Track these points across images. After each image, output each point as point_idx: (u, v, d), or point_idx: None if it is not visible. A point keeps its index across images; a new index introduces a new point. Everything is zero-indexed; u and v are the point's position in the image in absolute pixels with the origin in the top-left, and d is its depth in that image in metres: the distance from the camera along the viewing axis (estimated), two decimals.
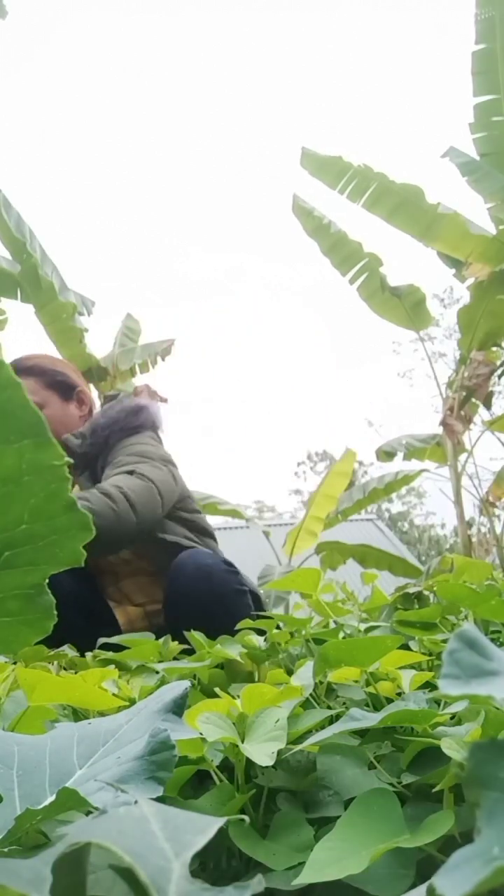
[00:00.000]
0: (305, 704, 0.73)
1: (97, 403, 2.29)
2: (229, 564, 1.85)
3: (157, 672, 0.95)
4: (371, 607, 1.28)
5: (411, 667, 0.78)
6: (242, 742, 0.60)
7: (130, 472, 1.87)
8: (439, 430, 5.73)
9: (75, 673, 0.90)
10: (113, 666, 0.98)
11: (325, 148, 5.57)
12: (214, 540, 2.12)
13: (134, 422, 2.10)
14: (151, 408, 2.19)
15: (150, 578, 1.98)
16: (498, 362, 5.39)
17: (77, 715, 0.79)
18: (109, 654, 1.09)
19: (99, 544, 1.86)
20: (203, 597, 1.69)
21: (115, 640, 1.26)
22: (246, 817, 0.49)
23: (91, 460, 2.04)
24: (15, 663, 0.98)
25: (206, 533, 2.10)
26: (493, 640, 1.02)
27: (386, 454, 5.98)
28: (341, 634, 1.02)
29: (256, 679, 1.00)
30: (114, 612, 1.96)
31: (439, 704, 0.66)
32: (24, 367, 2.08)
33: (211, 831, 0.29)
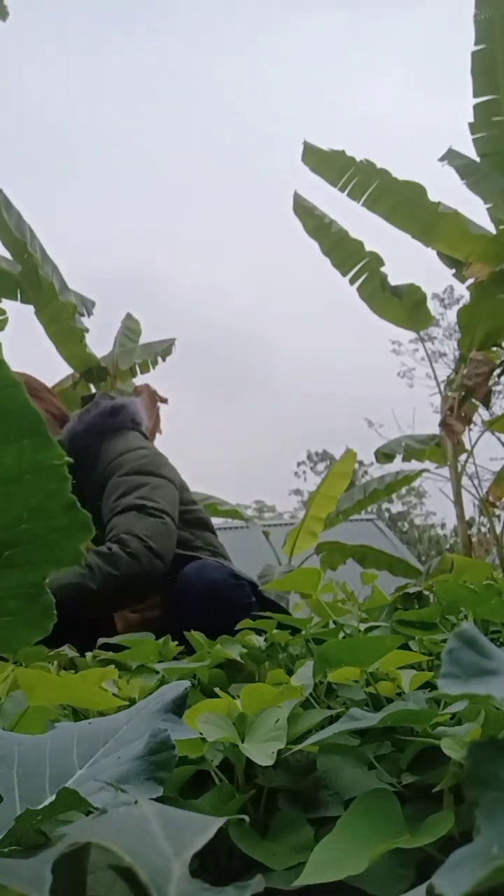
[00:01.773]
0: (305, 704, 0.73)
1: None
2: (237, 577, 1.80)
3: (157, 672, 0.95)
4: (371, 607, 1.28)
5: (411, 667, 0.78)
6: (242, 742, 0.60)
7: (140, 509, 1.79)
8: (438, 431, 5.73)
9: (75, 673, 0.90)
10: (113, 666, 0.98)
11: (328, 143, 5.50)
12: (211, 532, 2.07)
13: (114, 423, 2.03)
14: (130, 406, 2.11)
15: None
16: (498, 362, 5.39)
17: (77, 715, 0.79)
18: (109, 654, 1.09)
19: (132, 599, 1.85)
20: (210, 616, 1.61)
21: (115, 640, 1.26)
22: (246, 817, 0.49)
23: (72, 472, 1.99)
24: (15, 663, 0.98)
25: (200, 525, 2.03)
26: (492, 640, 1.02)
27: (385, 456, 5.98)
28: (341, 634, 1.01)
29: (256, 679, 1.00)
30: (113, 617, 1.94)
31: (439, 704, 0.66)
32: None
33: (211, 831, 0.29)
